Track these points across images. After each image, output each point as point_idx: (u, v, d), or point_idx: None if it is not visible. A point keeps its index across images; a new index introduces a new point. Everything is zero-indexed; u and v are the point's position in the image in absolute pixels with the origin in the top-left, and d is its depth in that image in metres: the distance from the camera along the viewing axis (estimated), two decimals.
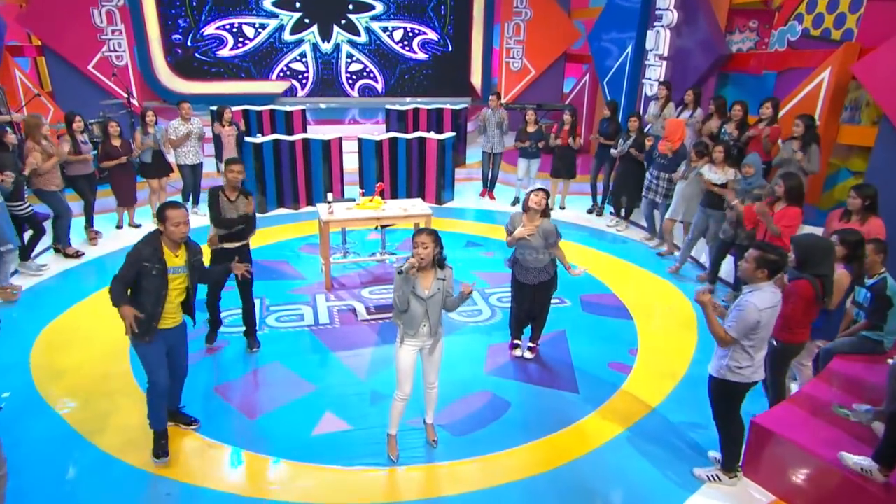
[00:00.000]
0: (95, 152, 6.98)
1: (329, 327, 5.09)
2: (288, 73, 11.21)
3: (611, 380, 4.40)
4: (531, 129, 8.09)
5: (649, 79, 8.45)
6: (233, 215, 4.25)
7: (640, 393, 4.23)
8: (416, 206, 6.03)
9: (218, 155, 7.63)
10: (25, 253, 6.10)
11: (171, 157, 7.50)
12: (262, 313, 5.39)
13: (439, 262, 3.16)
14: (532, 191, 4.17)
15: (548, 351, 4.71)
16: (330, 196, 5.90)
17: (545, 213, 4.12)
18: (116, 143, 6.84)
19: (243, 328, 4.75)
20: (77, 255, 6.54)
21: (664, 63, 8.43)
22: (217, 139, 7.51)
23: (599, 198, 8.21)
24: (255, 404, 4.03)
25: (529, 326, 4.67)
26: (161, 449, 3.53)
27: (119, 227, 7.34)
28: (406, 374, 3.33)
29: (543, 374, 4.41)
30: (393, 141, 8.33)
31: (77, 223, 7.19)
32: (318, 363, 4.51)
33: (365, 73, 11.83)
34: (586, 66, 11.77)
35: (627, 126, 7.52)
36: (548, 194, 4.19)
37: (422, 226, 5.91)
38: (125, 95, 9.13)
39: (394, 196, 8.09)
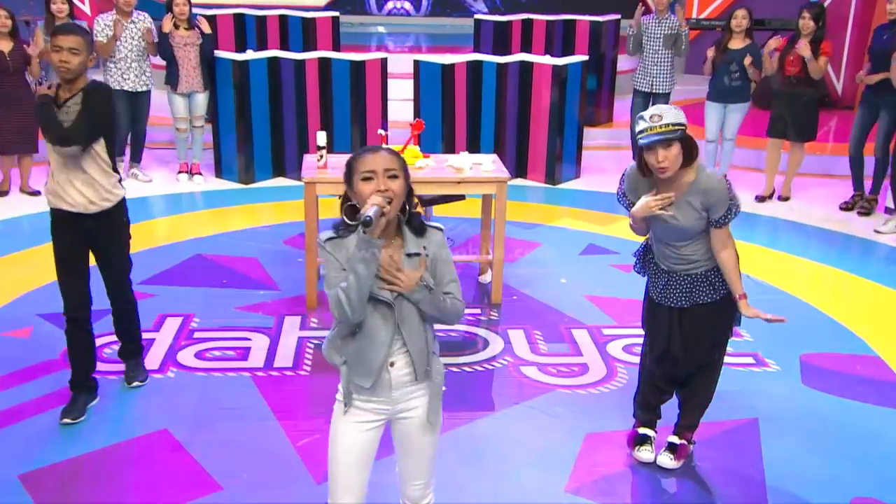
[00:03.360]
0: None
1: (289, 374, 4.54)
2: None
3: None
4: (736, 44, 7.30)
5: None
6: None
7: None
8: (483, 165, 5.45)
9: (170, 78, 7.33)
10: None
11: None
12: (175, 341, 4.88)
13: (414, 224, 2.59)
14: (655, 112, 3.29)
15: (716, 456, 4.02)
16: (322, 138, 5.21)
17: (686, 148, 3.32)
18: (3, 46, 6.58)
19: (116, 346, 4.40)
20: None
21: None
22: (167, 51, 7.14)
23: (868, 183, 7.45)
24: None
25: (677, 399, 3.95)
26: None
27: (2, 192, 7.13)
28: (347, 471, 2.67)
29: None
30: (474, 68, 7.90)
31: None
32: (243, 440, 3.96)
33: None
34: None
35: None
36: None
37: (493, 201, 5.39)
38: None
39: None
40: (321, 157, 5.16)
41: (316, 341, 4.83)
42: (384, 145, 2.53)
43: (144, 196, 7.15)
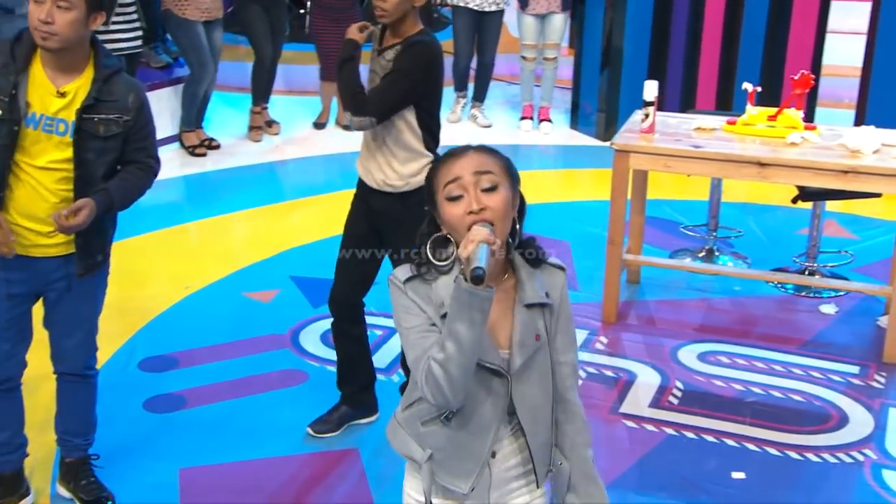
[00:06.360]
0: None
1: None
2: None
3: None
4: None
5: None
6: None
7: None
8: None
9: None
10: None
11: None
12: None
13: (529, 255, 2.41)
14: None
15: None
16: (650, 89, 4.95)
17: None
18: None
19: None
20: (201, 148, 7.28)
21: None
22: None
23: None
24: None
25: None
26: None
27: (318, 123, 7.97)
28: None
29: None
30: None
31: (235, 100, 7.82)
32: None
33: None
34: None
35: None
36: None
37: None
38: None
39: None
40: (647, 115, 4.95)
41: (601, 368, 4.71)
42: (481, 144, 2.39)
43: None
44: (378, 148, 3.85)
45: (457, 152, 2.32)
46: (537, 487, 2.40)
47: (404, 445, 2.44)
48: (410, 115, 3.78)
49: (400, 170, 3.83)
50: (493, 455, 2.35)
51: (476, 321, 2.12)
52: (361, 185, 3.97)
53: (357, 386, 4.21)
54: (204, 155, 7.29)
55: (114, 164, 3.32)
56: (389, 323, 4.87)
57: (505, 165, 2.31)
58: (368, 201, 3.94)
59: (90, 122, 3.21)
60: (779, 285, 5.47)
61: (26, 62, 3.18)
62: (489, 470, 2.36)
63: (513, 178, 2.31)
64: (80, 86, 3.20)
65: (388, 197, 3.84)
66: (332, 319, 4.15)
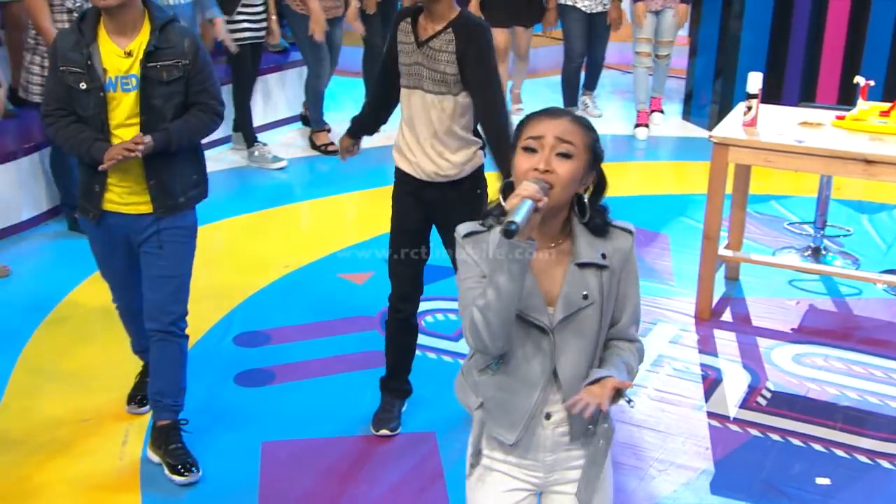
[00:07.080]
0: None
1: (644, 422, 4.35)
2: None
3: None
4: None
5: None
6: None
7: None
8: None
9: None
10: (246, 130, 7.14)
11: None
12: None
13: (594, 223, 2.44)
14: None
15: None
16: (754, 81, 4.84)
17: None
18: None
19: None
20: (327, 148, 7.33)
21: None
22: None
23: None
24: None
25: None
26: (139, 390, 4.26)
27: None
28: None
29: None
30: None
31: (350, 85, 7.85)
32: None
33: None
34: None
35: None
36: None
37: None
38: None
39: None
40: (749, 108, 4.85)
41: (694, 367, 4.62)
42: (579, 115, 2.42)
43: None
44: (427, 140, 3.84)
45: (554, 112, 2.39)
46: (570, 441, 2.45)
47: (463, 394, 2.54)
48: (466, 100, 3.76)
49: (453, 159, 3.82)
50: (549, 417, 2.42)
51: (515, 273, 2.20)
52: (406, 179, 3.95)
53: (405, 377, 4.24)
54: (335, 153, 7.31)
55: (182, 108, 3.60)
56: None
57: (589, 142, 2.36)
58: (419, 195, 3.93)
59: (154, 69, 3.50)
60: (888, 288, 5.27)
61: (94, 34, 3.50)
62: (542, 431, 2.44)
63: (592, 156, 2.36)
64: (141, 42, 3.51)
65: (440, 186, 3.86)
66: (390, 319, 4.13)
